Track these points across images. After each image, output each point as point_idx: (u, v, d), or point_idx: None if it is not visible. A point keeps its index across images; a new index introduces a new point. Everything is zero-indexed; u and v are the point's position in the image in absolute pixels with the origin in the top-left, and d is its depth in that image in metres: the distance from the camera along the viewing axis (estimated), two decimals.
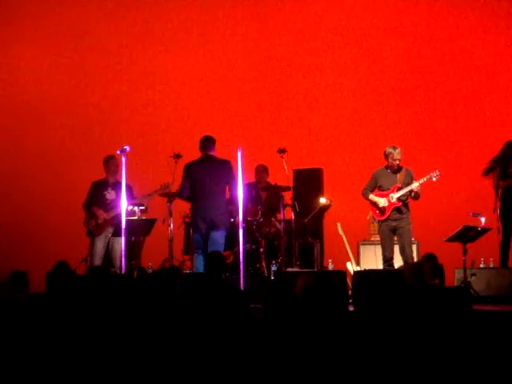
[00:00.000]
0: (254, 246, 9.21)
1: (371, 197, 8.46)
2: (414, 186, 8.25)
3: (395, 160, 8.34)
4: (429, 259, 8.31)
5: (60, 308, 5.49)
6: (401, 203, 8.31)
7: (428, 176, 8.31)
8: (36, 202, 11.50)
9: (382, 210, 8.36)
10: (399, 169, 8.41)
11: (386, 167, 8.47)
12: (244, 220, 8.87)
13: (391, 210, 8.32)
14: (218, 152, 8.88)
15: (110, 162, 8.90)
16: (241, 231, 7.68)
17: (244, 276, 7.59)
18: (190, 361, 4.88)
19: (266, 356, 4.61)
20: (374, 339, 5.30)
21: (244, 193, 7.82)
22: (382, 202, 8.35)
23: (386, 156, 8.40)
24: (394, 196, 8.31)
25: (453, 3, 11.19)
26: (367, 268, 9.01)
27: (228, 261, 9.20)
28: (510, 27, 10.94)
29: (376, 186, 8.52)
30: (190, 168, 8.65)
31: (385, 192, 8.41)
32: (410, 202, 8.42)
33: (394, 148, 8.38)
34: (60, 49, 11.97)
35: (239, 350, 4.76)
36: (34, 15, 12.07)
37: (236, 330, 5.06)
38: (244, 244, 8.94)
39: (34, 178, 11.58)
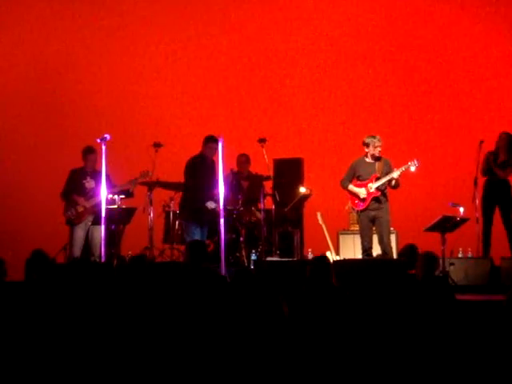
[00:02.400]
0: (234, 235, 9.23)
1: (351, 187, 8.46)
2: (394, 174, 8.28)
3: (376, 147, 8.36)
4: (408, 250, 8.41)
5: (39, 296, 5.47)
6: (379, 193, 8.34)
7: (406, 165, 8.33)
8: (14, 190, 11.42)
9: (363, 201, 8.39)
10: (378, 158, 8.44)
11: (365, 157, 8.49)
12: (224, 209, 8.90)
13: (370, 199, 8.35)
14: (198, 142, 8.95)
15: (88, 158, 8.87)
16: (222, 221, 7.73)
17: (217, 265, 7.65)
18: (174, 349, 4.89)
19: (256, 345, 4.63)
20: (353, 328, 5.33)
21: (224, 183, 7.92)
22: (363, 193, 8.36)
23: (367, 145, 8.40)
24: (373, 186, 8.33)
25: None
26: (346, 257, 9.06)
27: (208, 250, 9.22)
28: (493, 23, 11.01)
29: (354, 176, 8.52)
30: None
31: (363, 182, 8.44)
32: (390, 191, 8.46)
33: (374, 136, 8.40)
34: (40, 35, 11.87)
35: (227, 337, 4.77)
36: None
37: (221, 318, 5.07)
38: (224, 233, 8.97)
39: (12, 166, 11.51)
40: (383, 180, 8.32)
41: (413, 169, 8.33)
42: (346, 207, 8.98)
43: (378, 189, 8.33)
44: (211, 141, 8.73)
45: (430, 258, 6.46)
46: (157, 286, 5.69)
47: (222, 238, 7.75)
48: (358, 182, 8.48)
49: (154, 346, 4.94)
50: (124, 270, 6.13)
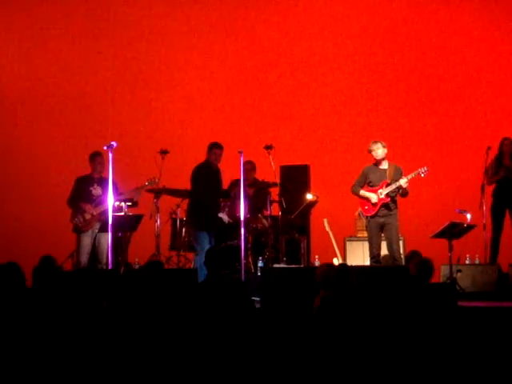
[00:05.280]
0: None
1: (362, 192, 8.43)
2: (402, 181, 8.26)
3: (373, 151, 8.35)
4: (414, 257, 8.37)
5: (47, 303, 5.48)
6: (389, 199, 8.32)
7: (416, 172, 8.31)
8: (20, 197, 11.44)
9: (374, 205, 8.35)
10: (384, 163, 8.41)
11: (375, 164, 8.48)
12: (230, 216, 8.91)
13: (380, 206, 8.33)
14: (205, 149, 8.94)
15: (96, 160, 8.83)
16: (242, 230, 7.82)
17: (230, 272, 7.65)
18: (184, 353, 4.88)
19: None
20: (360, 335, 5.33)
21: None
22: (374, 198, 8.33)
23: (370, 151, 8.43)
24: (383, 192, 8.32)
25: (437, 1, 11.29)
26: (354, 264, 9.02)
27: None
28: (502, 29, 11.01)
29: (366, 182, 8.50)
30: None
31: (374, 188, 8.43)
32: (398, 198, 8.44)
33: (375, 141, 8.41)
34: (47, 42, 11.89)
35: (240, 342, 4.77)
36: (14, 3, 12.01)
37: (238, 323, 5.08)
38: (231, 240, 8.98)
39: (19, 174, 11.52)
40: (393, 186, 8.30)
41: (422, 175, 8.32)
42: (356, 213, 8.97)
43: (387, 195, 8.32)
44: (215, 147, 8.75)
45: (424, 264, 6.30)
46: (171, 292, 5.69)
47: (242, 247, 7.80)
48: (369, 188, 8.46)
49: (161, 351, 4.94)
50: (139, 276, 6.11)
